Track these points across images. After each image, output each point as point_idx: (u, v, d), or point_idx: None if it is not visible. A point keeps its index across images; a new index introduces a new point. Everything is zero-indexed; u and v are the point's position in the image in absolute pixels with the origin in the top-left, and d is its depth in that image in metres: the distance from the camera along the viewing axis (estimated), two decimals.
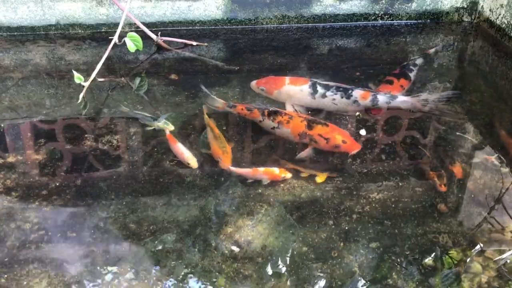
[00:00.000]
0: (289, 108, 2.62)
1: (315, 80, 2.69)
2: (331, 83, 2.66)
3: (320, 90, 2.61)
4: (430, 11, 3.79)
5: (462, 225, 2.02)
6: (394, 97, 2.61)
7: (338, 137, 2.34)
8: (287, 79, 2.74)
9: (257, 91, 2.78)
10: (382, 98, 2.60)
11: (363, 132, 2.52)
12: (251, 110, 2.53)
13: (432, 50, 3.33)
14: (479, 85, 3.08)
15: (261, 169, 2.22)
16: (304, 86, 2.65)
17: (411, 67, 3.00)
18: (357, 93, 2.60)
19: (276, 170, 2.21)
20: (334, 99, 2.60)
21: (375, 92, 2.64)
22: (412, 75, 2.92)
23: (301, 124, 2.40)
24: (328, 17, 3.74)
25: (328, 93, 2.60)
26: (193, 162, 2.26)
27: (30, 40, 3.48)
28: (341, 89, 2.61)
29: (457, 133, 2.53)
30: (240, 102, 2.70)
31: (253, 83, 2.80)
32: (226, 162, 2.26)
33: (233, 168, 2.24)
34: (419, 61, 3.11)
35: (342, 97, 2.60)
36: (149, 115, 2.39)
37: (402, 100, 2.61)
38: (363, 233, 1.96)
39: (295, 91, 2.67)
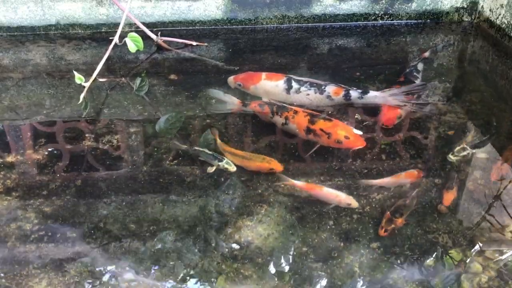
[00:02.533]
0: None
1: (290, 76, 2.73)
2: (305, 79, 2.71)
3: (294, 85, 2.65)
4: (430, 11, 3.79)
5: (462, 225, 2.02)
6: (365, 92, 2.67)
7: (341, 133, 2.32)
8: (263, 74, 2.77)
9: (234, 86, 2.81)
10: (354, 94, 2.65)
11: (358, 132, 2.49)
12: (262, 107, 2.56)
13: (427, 53, 3.31)
14: (479, 85, 3.08)
15: (402, 173, 2.20)
16: (279, 82, 2.69)
17: (414, 73, 2.96)
18: (330, 88, 2.66)
19: (415, 172, 2.19)
20: (308, 94, 2.64)
21: (347, 87, 2.68)
22: (418, 82, 2.90)
23: (305, 119, 2.41)
24: (328, 17, 3.74)
25: (302, 89, 2.64)
26: (353, 201, 2.08)
27: (30, 40, 3.48)
28: (314, 84, 2.66)
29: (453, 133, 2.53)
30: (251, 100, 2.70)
31: (231, 79, 2.84)
32: (277, 166, 2.23)
33: (374, 181, 2.17)
34: (420, 66, 3.07)
35: (315, 93, 2.64)
36: (211, 153, 2.32)
37: (373, 95, 2.66)
38: (363, 233, 1.97)
39: (271, 86, 2.70)
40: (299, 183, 2.15)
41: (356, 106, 2.68)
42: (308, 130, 2.37)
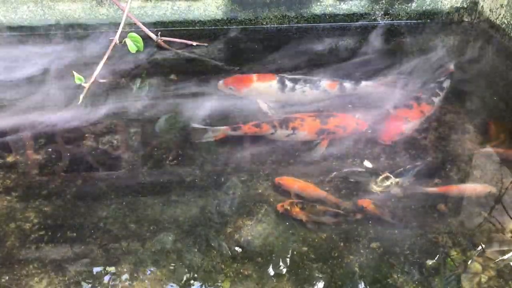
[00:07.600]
0: (263, 106, 2.65)
1: (282, 75, 2.77)
2: (298, 76, 2.75)
3: (289, 84, 2.68)
4: (430, 11, 3.79)
5: (462, 225, 2.02)
6: (358, 83, 2.76)
7: (352, 122, 2.46)
8: (254, 76, 2.79)
9: (226, 91, 2.80)
10: (348, 85, 2.75)
11: (368, 164, 2.34)
12: (259, 126, 2.45)
13: (452, 66, 3.10)
14: (479, 85, 3.07)
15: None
16: (272, 82, 2.71)
17: (437, 90, 2.80)
18: (325, 83, 2.73)
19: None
20: (304, 91, 2.67)
21: (340, 80, 2.77)
22: (439, 99, 2.77)
23: (315, 122, 2.43)
24: (328, 17, 3.74)
25: (297, 86, 2.68)
26: (492, 188, 2.10)
27: (30, 40, 3.48)
28: (308, 81, 2.71)
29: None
30: (243, 122, 2.51)
31: (221, 83, 2.82)
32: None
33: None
34: (446, 83, 2.88)
35: (311, 89, 2.69)
36: None
37: (365, 84, 2.77)
38: (363, 233, 1.97)
39: (264, 87, 2.71)
40: (433, 189, 2.13)
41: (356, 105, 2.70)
42: (322, 131, 2.41)
